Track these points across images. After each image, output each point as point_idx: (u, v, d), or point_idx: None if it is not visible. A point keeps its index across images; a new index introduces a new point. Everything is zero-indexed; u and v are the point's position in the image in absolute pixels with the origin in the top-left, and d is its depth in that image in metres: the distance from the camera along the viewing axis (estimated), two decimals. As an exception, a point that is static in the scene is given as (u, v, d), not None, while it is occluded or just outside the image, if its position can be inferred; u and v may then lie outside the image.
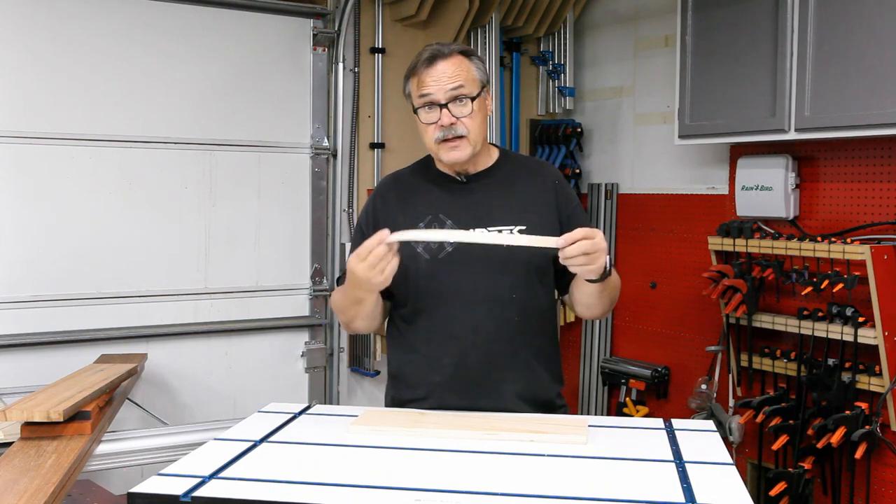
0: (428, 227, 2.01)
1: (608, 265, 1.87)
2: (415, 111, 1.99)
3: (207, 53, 3.60)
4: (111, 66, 3.40)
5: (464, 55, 1.98)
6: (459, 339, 1.98)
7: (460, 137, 1.95)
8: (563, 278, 2.05)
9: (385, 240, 1.77)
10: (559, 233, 2.01)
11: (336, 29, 3.81)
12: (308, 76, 3.83)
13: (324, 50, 3.85)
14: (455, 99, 1.94)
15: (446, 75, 1.94)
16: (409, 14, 3.86)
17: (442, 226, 2.00)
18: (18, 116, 3.25)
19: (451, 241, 1.94)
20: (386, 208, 2.09)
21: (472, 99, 1.96)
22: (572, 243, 1.73)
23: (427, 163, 2.11)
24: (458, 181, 2.06)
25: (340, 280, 2.13)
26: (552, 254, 1.99)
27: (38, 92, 3.28)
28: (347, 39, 3.85)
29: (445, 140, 1.96)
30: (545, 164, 2.23)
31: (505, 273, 1.98)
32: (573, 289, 2.05)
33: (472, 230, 1.95)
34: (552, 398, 2.07)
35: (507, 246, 1.96)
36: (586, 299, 2.00)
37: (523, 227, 1.99)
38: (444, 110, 1.94)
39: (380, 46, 3.94)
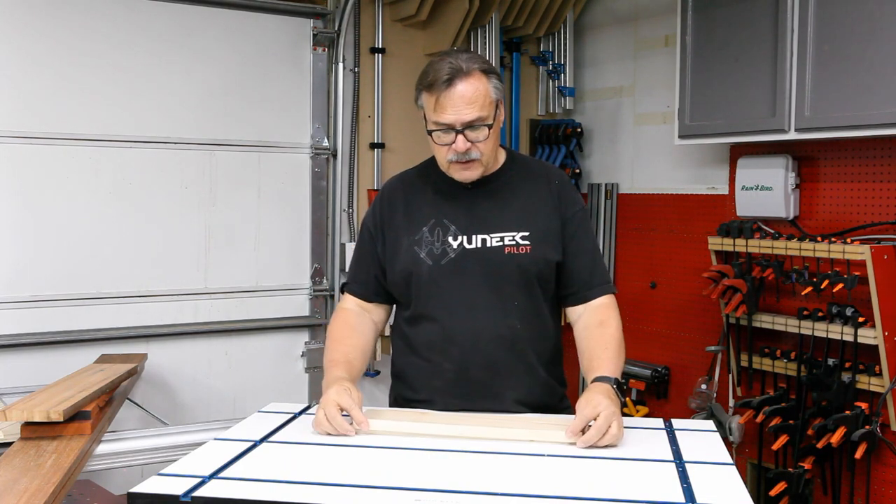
0: (431, 231, 2.02)
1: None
2: (429, 132, 1.96)
3: (207, 53, 3.59)
4: (111, 66, 3.40)
5: (482, 73, 1.92)
6: (460, 346, 1.98)
7: (474, 160, 1.95)
8: (564, 289, 2.06)
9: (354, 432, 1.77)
10: (561, 236, 2.02)
11: (336, 29, 3.81)
12: (308, 76, 3.83)
13: (324, 50, 3.85)
14: (471, 125, 1.91)
15: (464, 100, 1.88)
16: (409, 14, 3.86)
17: (445, 231, 2.01)
18: (18, 116, 3.25)
19: (440, 434, 1.83)
20: (391, 211, 2.10)
21: (489, 126, 1.93)
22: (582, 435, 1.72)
23: (433, 165, 2.10)
24: (463, 186, 2.05)
25: (344, 287, 2.16)
26: (555, 260, 2.00)
27: (38, 92, 3.27)
28: (347, 39, 3.85)
29: (458, 161, 1.95)
30: (550, 167, 2.20)
31: (506, 280, 1.99)
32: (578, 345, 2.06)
33: (461, 421, 1.87)
34: (555, 403, 2.08)
35: (509, 252, 1.98)
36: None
37: (525, 233, 1.99)
38: (460, 136, 1.91)
39: (380, 46, 3.94)
